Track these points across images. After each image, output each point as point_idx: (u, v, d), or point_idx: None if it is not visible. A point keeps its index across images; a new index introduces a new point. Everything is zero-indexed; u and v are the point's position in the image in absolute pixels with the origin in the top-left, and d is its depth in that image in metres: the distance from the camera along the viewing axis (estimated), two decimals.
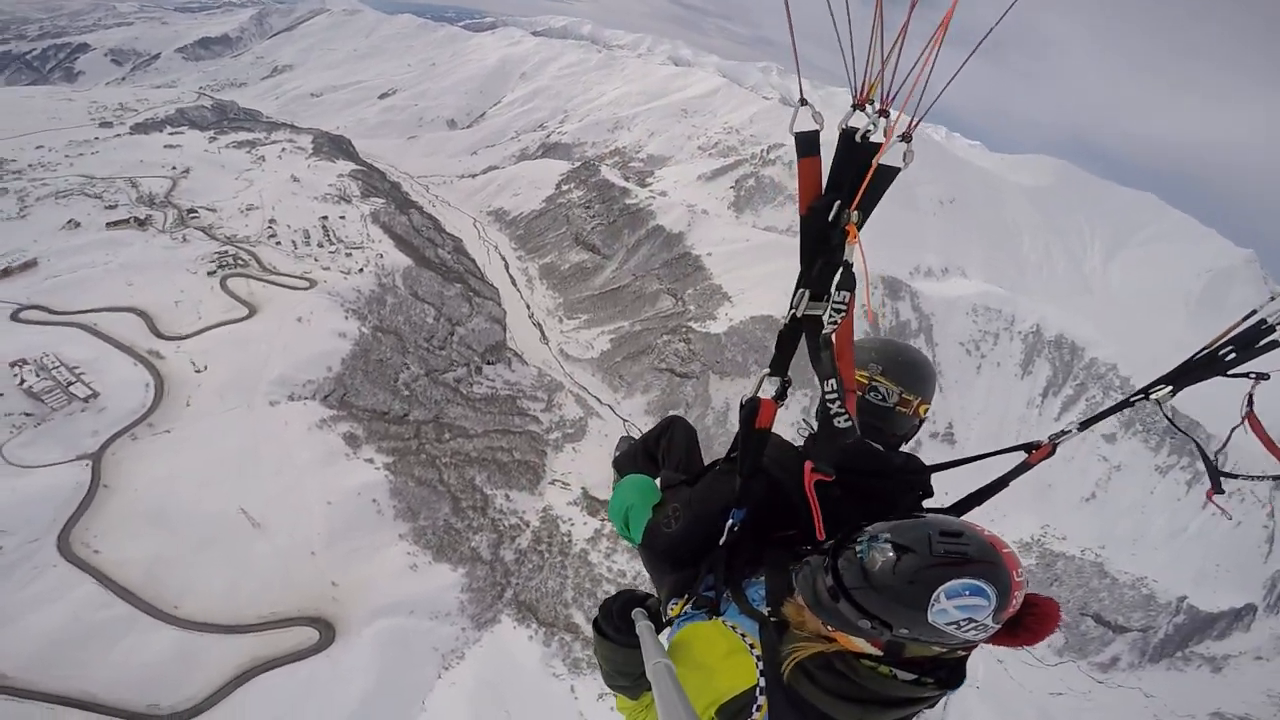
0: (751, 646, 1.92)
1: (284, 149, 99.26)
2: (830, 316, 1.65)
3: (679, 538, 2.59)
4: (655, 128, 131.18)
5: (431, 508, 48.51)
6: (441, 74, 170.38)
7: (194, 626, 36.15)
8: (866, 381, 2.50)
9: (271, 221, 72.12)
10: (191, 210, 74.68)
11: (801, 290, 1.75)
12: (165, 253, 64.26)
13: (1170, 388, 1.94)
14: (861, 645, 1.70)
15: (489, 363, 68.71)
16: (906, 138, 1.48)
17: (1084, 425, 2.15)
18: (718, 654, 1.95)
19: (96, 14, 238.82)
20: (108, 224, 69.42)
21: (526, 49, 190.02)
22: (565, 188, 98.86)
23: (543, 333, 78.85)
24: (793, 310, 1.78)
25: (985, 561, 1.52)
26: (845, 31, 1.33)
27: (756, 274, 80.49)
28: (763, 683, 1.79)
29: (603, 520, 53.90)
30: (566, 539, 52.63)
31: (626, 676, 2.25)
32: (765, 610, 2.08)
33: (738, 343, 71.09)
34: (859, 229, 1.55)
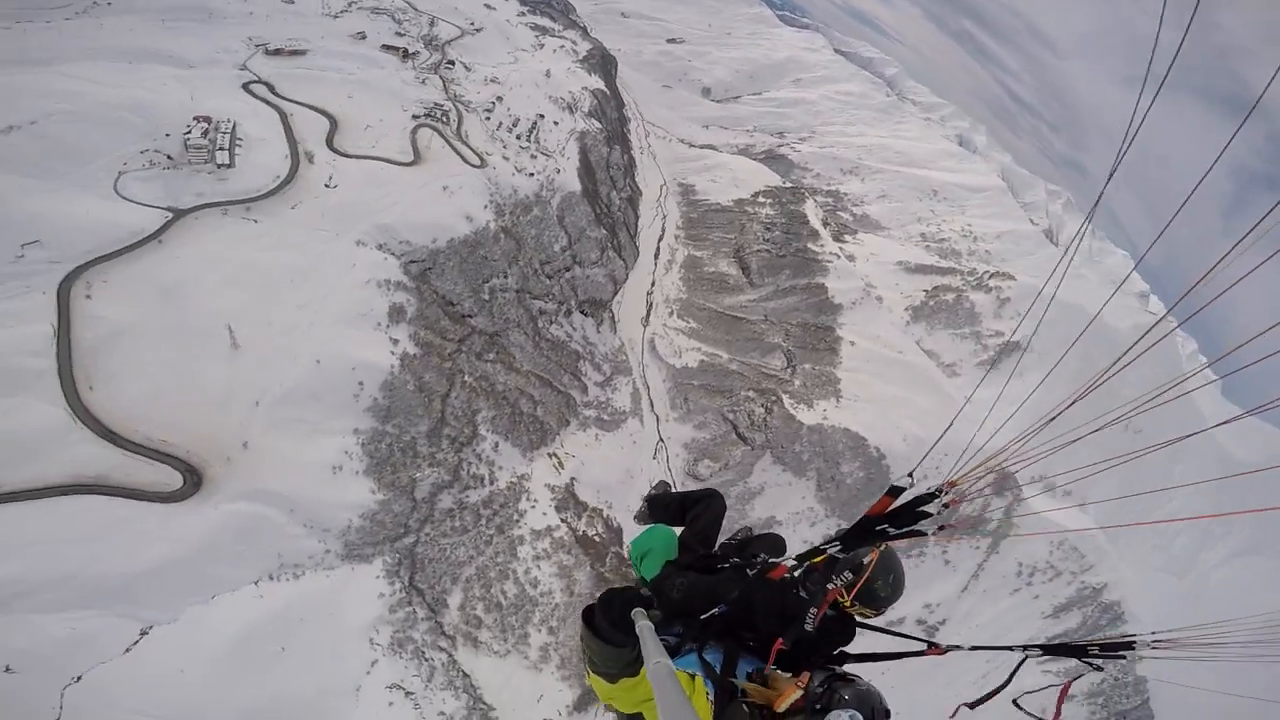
0: (708, 695, 2.71)
1: (562, 45, 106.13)
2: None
3: (676, 605, 3.78)
4: (890, 191, 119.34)
5: (409, 418, 43.43)
6: (729, 45, 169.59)
7: (79, 414, 33.04)
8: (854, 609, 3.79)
9: (497, 99, 77.79)
10: (451, 62, 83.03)
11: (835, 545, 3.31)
12: (401, 86, 70.38)
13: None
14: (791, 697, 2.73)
15: (583, 313, 67.69)
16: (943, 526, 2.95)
17: (980, 647, 3.77)
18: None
19: None
20: (383, 45, 79.28)
21: (819, 59, 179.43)
22: (761, 200, 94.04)
23: (648, 314, 77.01)
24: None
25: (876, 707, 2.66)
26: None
27: (882, 391, 70.22)
28: None
29: (562, 521, 50.32)
30: (515, 518, 47.79)
31: (614, 665, 3.11)
32: (719, 673, 3.04)
33: (814, 443, 63.11)
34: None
